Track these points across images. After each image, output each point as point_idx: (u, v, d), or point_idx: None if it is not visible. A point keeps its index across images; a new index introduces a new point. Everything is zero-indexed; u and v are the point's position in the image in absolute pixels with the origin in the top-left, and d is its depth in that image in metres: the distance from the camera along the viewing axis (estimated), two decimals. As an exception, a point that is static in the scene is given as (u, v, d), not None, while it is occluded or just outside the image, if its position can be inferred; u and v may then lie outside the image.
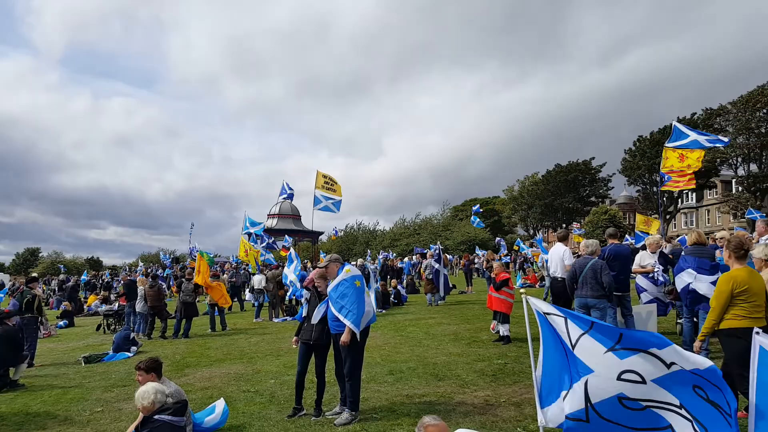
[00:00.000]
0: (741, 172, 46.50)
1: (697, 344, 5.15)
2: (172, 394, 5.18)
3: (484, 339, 10.59)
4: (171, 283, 28.79)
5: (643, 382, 3.76)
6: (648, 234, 15.14)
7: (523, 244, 33.25)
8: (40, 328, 16.12)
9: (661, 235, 12.90)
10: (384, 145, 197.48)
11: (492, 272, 11.33)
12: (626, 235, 26.54)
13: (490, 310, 10.71)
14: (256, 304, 17.79)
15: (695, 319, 7.90)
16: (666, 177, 12.53)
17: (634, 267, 9.40)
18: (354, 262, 17.96)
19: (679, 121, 45.65)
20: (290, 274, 15.01)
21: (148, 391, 4.81)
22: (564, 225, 55.14)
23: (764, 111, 43.14)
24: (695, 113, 48.30)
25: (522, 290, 4.80)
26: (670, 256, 9.87)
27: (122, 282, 19.77)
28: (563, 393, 4.19)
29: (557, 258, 9.46)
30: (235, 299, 21.73)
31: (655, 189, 47.63)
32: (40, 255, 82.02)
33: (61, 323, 19.36)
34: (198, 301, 15.26)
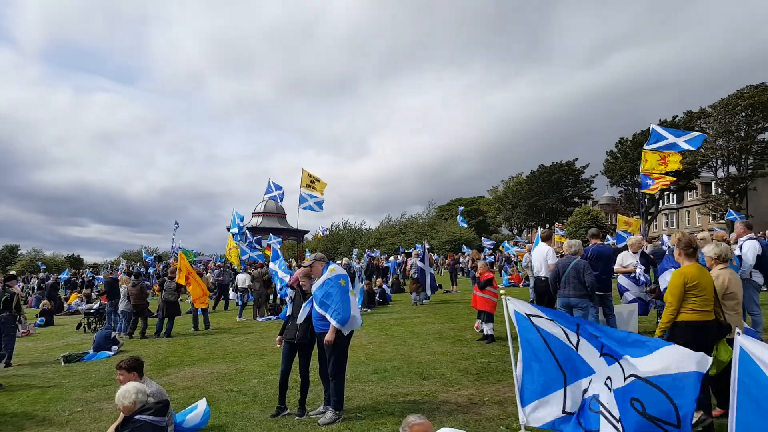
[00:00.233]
0: (720, 174, 47.29)
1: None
2: (154, 394, 5.13)
3: (469, 338, 10.63)
4: (153, 281, 28.51)
5: (610, 390, 3.97)
6: (630, 234, 15.31)
7: (508, 243, 33.46)
8: (19, 326, 15.88)
9: (643, 236, 13.06)
10: (370, 144, 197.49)
11: (477, 272, 11.39)
12: (608, 236, 26.82)
13: (475, 309, 10.76)
14: (240, 303, 17.67)
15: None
16: (647, 179, 12.68)
17: (616, 267, 9.52)
18: (339, 261, 17.94)
19: (661, 123, 46.38)
20: (279, 271, 14.92)
21: (129, 391, 4.75)
22: (548, 225, 55.58)
23: (743, 114, 43.93)
24: (676, 116, 49.04)
25: (502, 291, 4.84)
26: (652, 256, 10.00)
27: (104, 280, 19.54)
28: (555, 393, 4.24)
29: (541, 258, 9.56)
30: (222, 298, 21.58)
31: (636, 190, 48.27)
32: (19, 252, 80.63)
33: (40, 320, 19.07)
34: (181, 300, 15.11)
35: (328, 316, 5.96)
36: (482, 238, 44.05)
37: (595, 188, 63.52)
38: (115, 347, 11.88)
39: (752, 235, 8.82)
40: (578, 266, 7.91)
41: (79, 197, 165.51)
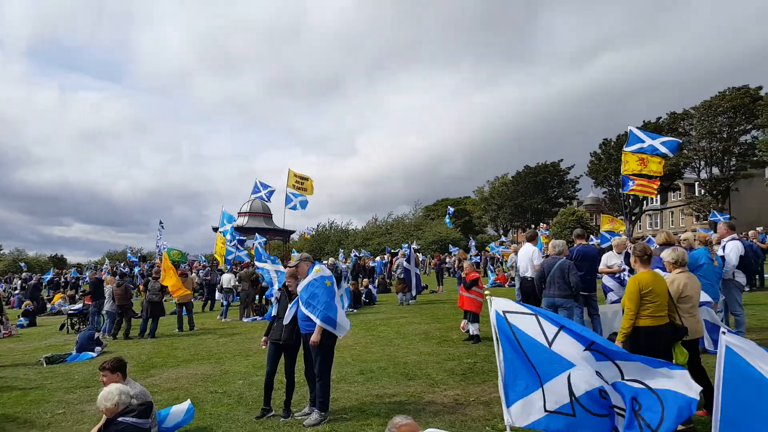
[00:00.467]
0: (704, 175, 47.98)
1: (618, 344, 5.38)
2: (137, 396, 5.06)
3: (455, 338, 10.66)
4: (139, 281, 28.25)
5: (606, 383, 4.00)
6: (613, 233, 15.47)
7: (494, 244, 33.65)
8: (0, 327, 15.66)
9: (627, 236, 13.19)
10: (357, 143, 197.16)
11: (463, 272, 11.42)
12: (591, 236, 27.04)
13: (461, 309, 10.79)
14: (225, 303, 17.55)
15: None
16: (629, 181, 12.82)
17: (601, 267, 9.59)
18: (325, 262, 17.89)
19: (644, 124, 47.02)
20: (271, 270, 14.81)
21: (112, 392, 4.69)
22: (533, 225, 56.01)
23: (725, 116, 44.58)
24: (660, 117, 49.67)
25: (487, 292, 4.85)
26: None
27: (89, 280, 19.29)
28: (534, 393, 4.25)
29: (526, 258, 9.61)
30: (210, 298, 21.42)
31: (620, 191, 48.73)
32: (1, 252, 79.34)
33: (22, 320, 18.79)
34: (165, 301, 14.96)
35: (313, 317, 5.94)
36: (469, 238, 44.20)
37: (580, 189, 64.32)
38: (98, 348, 11.73)
39: (735, 235, 8.96)
40: (563, 266, 7.96)
41: (63, 196, 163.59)
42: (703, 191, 49.52)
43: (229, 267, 22.51)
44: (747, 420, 3.19)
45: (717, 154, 45.58)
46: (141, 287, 22.65)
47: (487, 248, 34.11)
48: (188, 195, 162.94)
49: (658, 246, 8.33)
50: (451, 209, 40.02)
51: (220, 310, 18.29)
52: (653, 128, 45.24)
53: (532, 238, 10.13)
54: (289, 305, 6.34)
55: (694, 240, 8.67)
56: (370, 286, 19.91)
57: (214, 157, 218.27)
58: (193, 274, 23.58)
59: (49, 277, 34.88)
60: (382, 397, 6.76)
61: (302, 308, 6.08)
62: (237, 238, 24.53)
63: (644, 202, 54.14)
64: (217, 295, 21.02)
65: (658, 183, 12.96)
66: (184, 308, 14.91)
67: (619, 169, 13.15)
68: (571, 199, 64.50)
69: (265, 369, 6.44)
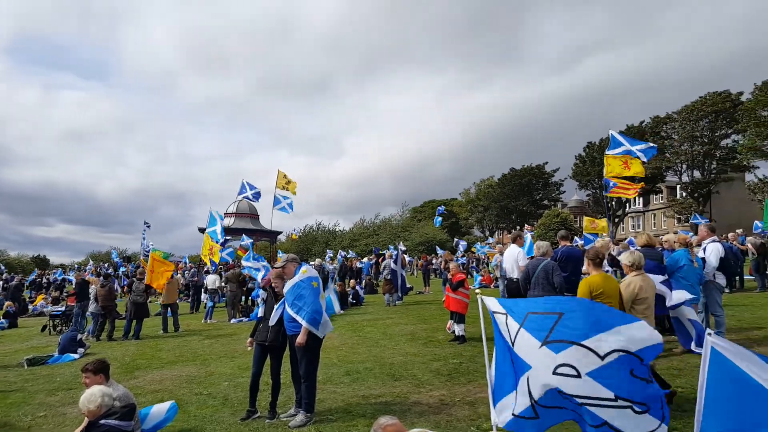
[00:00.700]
0: (685, 178, 48.63)
1: None
2: (120, 398, 5.01)
3: (440, 339, 10.70)
4: (123, 282, 27.93)
5: (578, 375, 3.74)
6: (596, 235, 15.62)
7: (480, 244, 33.79)
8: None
9: (610, 238, 13.37)
10: (346, 145, 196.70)
11: (449, 273, 11.48)
12: (575, 238, 27.27)
13: (447, 310, 10.84)
14: (210, 304, 17.43)
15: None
16: (611, 183, 13.02)
17: (585, 268, 9.68)
18: (312, 263, 17.87)
19: (628, 128, 47.58)
20: (252, 263, 14.84)
21: (94, 394, 4.63)
22: (518, 227, 56.38)
23: (706, 120, 45.25)
24: (643, 121, 50.26)
25: (477, 290, 4.88)
26: (619, 258, 10.19)
27: (75, 281, 19.05)
28: (512, 393, 4.28)
29: (512, 259, 9.69)
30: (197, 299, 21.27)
31: (604, 193, 49.29)
32: (-18, 253, 78.02)
33: (3, 321, 18.51)
34: (149, 302, 14.84)
35: (299, 318, 5.94)
36: (455, 240, 44.33)
37: (564, 191, 64.95)
38: (81, 350, 11.60)
39: (715, 238, 9.11)
40: (547, 267, 8.02)
41: (46, 196, 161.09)
42: (684, 194, 50.19)
43: (214, 268, 22.35)
44: (733, 419, 3.22)
45: (698, 157, 46.25)
46: (125, 288, 22.39)
47: (473, 249, 34.21)
48: (174, 195, 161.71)
49: (639, 247, 8.45)
50: (442, 208, 39.88)
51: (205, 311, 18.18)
52: (636, 131, 45.87)
53: (517, 239, 10.21)
54: (276, 306, 6.33)
55: (675, 242, 8.80)
56: (357, 287, 19.91)
57: (200, 157, 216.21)
58: (179, 275, 23.38)
59: (32, 278, 34.37)
60: (368, 398, 6.77)
61: (288, 309, 6.08)
62: (223, 238, 24.37)
63: (627, 204, 54.79)
64: (202, 296, 20.87)
65: (642, 185, 13.22)
66: (169, 309, 14.79)
67: (602, 172, 13.34)
68: (555, 201, 65.07)
69: (251, 370, 6.43)
